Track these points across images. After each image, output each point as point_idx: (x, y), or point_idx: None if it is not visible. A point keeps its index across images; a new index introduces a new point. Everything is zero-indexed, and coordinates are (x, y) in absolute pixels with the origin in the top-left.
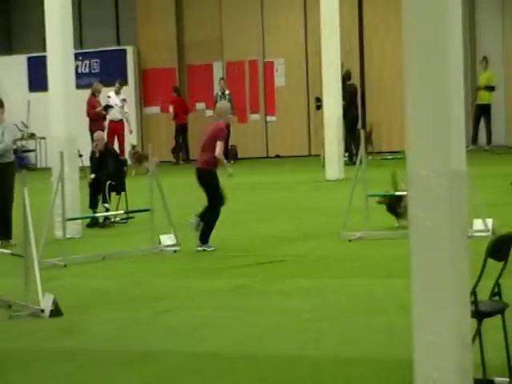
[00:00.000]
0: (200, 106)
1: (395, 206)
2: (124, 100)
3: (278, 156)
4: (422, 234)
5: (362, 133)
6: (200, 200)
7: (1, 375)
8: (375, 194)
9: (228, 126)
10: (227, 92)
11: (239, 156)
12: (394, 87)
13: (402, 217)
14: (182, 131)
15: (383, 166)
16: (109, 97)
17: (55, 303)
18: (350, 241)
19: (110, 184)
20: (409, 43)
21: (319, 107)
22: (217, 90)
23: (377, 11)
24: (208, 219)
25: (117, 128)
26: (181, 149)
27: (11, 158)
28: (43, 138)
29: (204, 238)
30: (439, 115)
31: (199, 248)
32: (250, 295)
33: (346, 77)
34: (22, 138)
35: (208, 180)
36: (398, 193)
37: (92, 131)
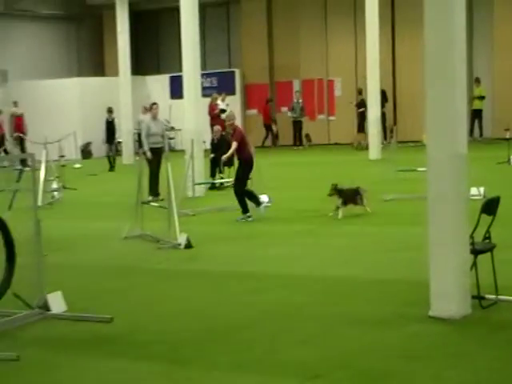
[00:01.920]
0: (284, 109)
1: (352, 198)
2: (227, 105)
3: (336, 143)
4: (437, 197)
5: (394, 129)
6: (282, 172)
7: (151, 286)
8: (403, 170)
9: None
10: (300, 100)
11: (312, 143)
12: (416, 97)
13: (358, 204)
14: (268, 128)
15: (408, 150)
16: (217, 104)
17: (188, 239)
18: (385, 201)
19: (223, 161)
20: (430, 67)
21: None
22: (294, 98)
23: (405, 45)
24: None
25: (222, 125)
26: (266, 139)
27: (164, 143)
28: (179, 130)
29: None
30: (449, 115)
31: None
32: (315, 236)
33: (358, 93)
34: (166, 130)
35: None
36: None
37: (212, 126)
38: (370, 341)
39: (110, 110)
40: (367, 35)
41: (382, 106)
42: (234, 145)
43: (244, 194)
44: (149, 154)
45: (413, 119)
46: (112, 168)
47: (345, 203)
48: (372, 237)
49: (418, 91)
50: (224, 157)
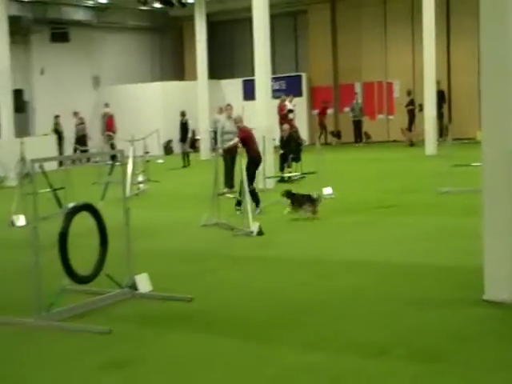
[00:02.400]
0: (346, 109)
1: (301, 203)
2: (294, 105)
3: (395, 140)
4: (491, 190)
5: (449, 127)
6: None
7: (226, 269)
8: (458, 165)
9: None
10: (360, 101)
11: (370, 140)
12: (470, 98)
13: (306, 209)
14: (323, 127)
15: (463, 147)
16: (285, 105)
17: (259, 227)
18: (441, 193)
19: (291, 156)
20: (485, 69)
21: (421, 110)
22: (354, 99)
23: (460, 51)
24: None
25: (290, 124)
26: (320, 135)
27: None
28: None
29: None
30: (503, 113)
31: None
32: (376, 225)
33: (407, 94)
34: None
35: None
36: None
37: (281, 124)
38: (427, 321)
39: (182, 114)
40: (424, 42)
41: (441, 106)
42: (236, 139)
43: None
44: (220, 150)
45: (467, 118)
46: (185, 165)
47: (293, 204)
48: (428, 226)
49: (472, 92)
50: (224, 147)
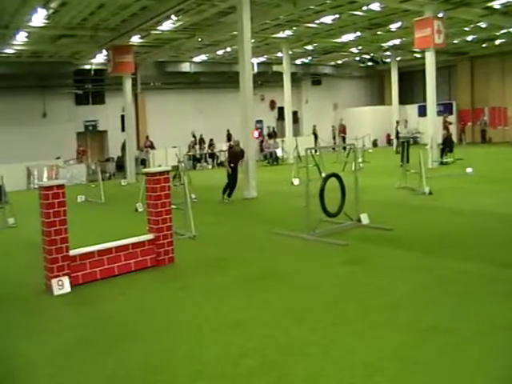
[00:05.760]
0: (478, 123)
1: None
2: (451, 120)
3: (508, 141)
4: None
5: None
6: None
7: (410, 213)
8: None
9: None
10: (485, 118)
11: (491, 142)
12: None
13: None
14: (463, 132)
15: None
16: (446, 119)
17: (430, 189)
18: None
19: (448, 149)
20: None
21: None
22: (482, 117)
23: None
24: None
25: (448, 130)
26: (461, 136)
27: (408, 139)
28: (423, 133)
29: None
30: None
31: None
32: (499, 191)
33: None
34: (414, 133)
35: None
36: None
37: (443, 130)
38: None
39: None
40: None
41: None
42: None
43: None
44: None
45: None
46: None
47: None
48: (491, 195)
49: None
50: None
